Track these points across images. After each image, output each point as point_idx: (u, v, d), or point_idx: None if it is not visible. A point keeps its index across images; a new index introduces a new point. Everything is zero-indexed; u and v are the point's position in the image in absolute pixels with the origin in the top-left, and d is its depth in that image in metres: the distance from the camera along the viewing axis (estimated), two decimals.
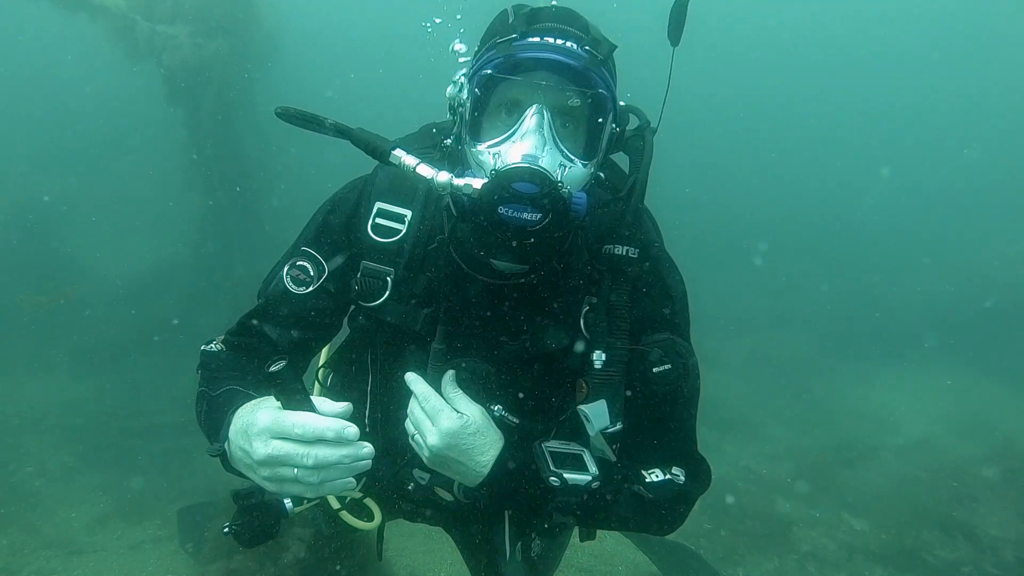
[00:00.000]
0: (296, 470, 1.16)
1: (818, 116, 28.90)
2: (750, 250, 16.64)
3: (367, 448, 1.20)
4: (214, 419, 1.39)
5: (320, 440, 1.15)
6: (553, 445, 1.55)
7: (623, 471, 1.57)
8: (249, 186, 9.41)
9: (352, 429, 1.17)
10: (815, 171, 25.31)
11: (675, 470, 1.59)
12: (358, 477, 1.89)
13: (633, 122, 1.64)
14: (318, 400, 1.21)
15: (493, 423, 1.50)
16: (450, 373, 1.52)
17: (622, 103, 1.57)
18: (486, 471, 1.44)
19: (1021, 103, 26.81)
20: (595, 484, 1.48)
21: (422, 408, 1.45)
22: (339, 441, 1.16)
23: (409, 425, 1.49)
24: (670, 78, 1.57)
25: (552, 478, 1.45)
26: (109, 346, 8.73)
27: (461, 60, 1.62)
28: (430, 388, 1.47)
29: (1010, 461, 6.72)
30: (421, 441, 1.45)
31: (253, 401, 1.33)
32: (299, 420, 1.16)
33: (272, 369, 1.16)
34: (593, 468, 1.50)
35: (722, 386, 8.90)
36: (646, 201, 1.61)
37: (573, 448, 1.55)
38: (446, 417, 1.43)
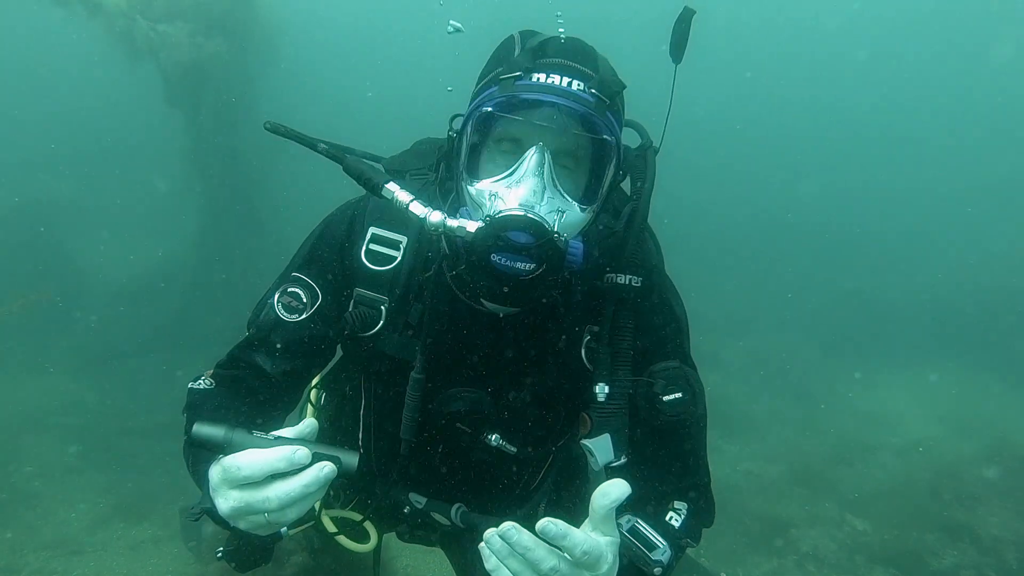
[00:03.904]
0: (266, 514, 1.09)
1: (817, 117, 28.91)
2: (751, 250, 16.66)
3: (327, 467, 1.09)
4: (199, 471, 1.29)
5: (276, 475, 1.07)
6: (624, 527, 1.39)
7: (657, 523, 1.48)
8: (249, 186, 9.41)
9: (302, 452, 1.07)
10: (815, 172, 25.32)
11: (678, 504, 1.54)
12: (351, 496, 1.89)
13: (635, 138, 1.60)
14: (283, 432, 1.14)
15: None
16: (614, 494, 1.16)
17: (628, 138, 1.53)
18: None
19: (1020, 102, 26.79)
20: (670, 556, 1.39)
21: (578, 563, 1.14)
22: (296, 468, 1.07)
23: None
24: (672, 96, 1.53)
25: (656, 569, 1.34)
26: (109, 346, 8.73)
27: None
28: (585, 537, 1.14)
29: (1010, 461, 6.71)
30: None
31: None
32: (244, 462, 1.07)
33: (192, 434, 1.10)
34: (660, 539, 1.39)
35: (722, 386, 8.89)
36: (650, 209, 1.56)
37: (629, 521, 1.42)
38: (605, 558, 1.17)
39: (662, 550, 1.37)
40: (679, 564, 1.50)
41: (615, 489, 1.14)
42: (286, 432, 1.14)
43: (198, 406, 1.49)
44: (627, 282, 1.48)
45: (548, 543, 1.11)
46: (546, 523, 1.11)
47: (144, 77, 9.35)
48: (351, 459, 1.13)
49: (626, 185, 1.58)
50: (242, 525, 1.13)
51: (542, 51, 1.39)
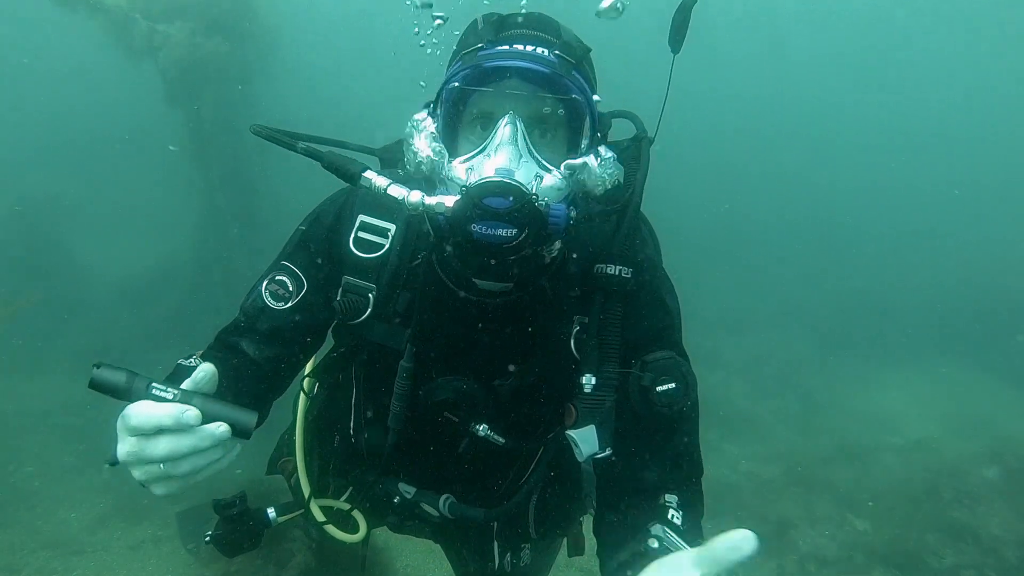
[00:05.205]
0: (161, 465, 1.09)
1: (818, 116, 28.90)
2: (750, 250, 16.66)
3: (222, 427, 1.10)
4: None
5: (164, 429, 1.07)
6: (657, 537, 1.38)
7: (658, 521, 1.45)
8: (249, 185, 9.41)
9: (192, 412, 1.08)
10: (815, 171, 25.32)
11: (668, 498, 1.52)
12: (343, 488, 1.90)
13: (630, 130, 1.59)
14: (185, 384, 1.15)
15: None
16: (745, 550, 1.00)
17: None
18: None
19: (1022, 102, 26.79)
20: None
21: None
22: (183, 427, 1.07)
23: None
24: (669, 86, 1.53)
25: None
26: (109, 346, 8.73)
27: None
28: None
29: (1010, 461, 6.70)
30: None
31: None
32: (133, 412, 1.08)
33: (93, 377, 1.10)
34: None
35: (722, 386, 8.90)
36: (646, 208, 1.55)
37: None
38: None
39: None
40: None
41: (746, 545, 0.96)
42: (185, 384, 1.15)
43: (175, 377, 1.45)
44: (617, 273, 1.47)
45: None
46: None
47: (144, 76, 9.36)
48: (248, 419, 1.14)
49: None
50: (137, 474, 1.13)
51: (504, 24, 1.41)
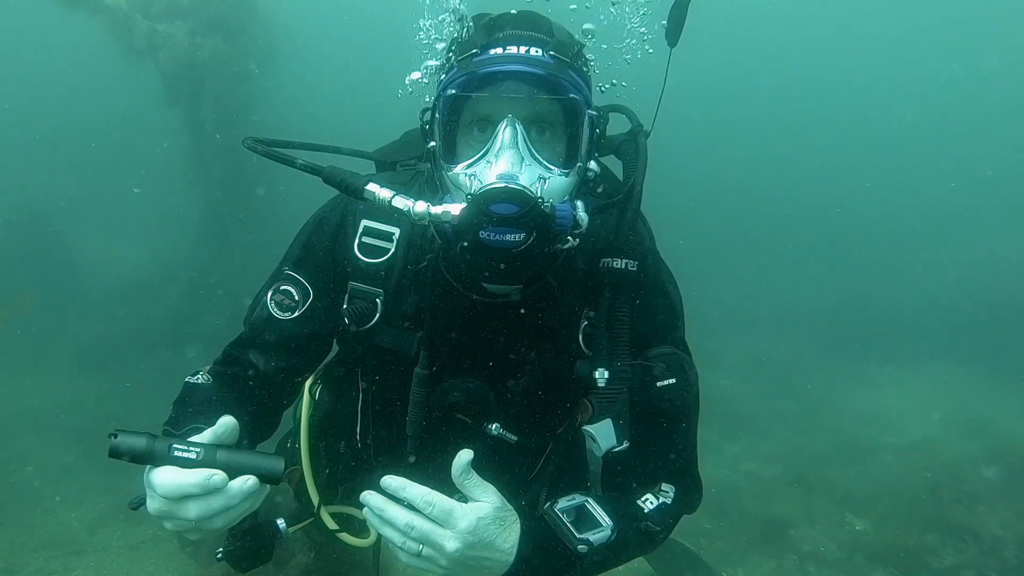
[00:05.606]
0: (193, 521, 1.10)
1: (819, 115, 28.89)
2: (750, 250, 16.66)
3: (250, 481, 1.09)
4: None
5: (192, 496, 1.08)
6: (561, 504, 1.45)
7: (619, 504, 1.52)
8: (249, 185, 9.40)
9: (218, 477, 1.07)
10: (815, 171, 25.32)
11: (665, 487, 1.55)
12: (352, 492, 1.89)
13: (624, 124, 1.60)
14: (202, 437, 1.14)
15: (506, 500, 1.34)
16: (466, 456, 1.31)
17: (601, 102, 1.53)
18: (512, 558, 1.31)
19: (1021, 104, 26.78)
20: (614, 536, 1.42)
21: (428, 516, 1.25)
22: (210, 491, 1.08)
23: (402, 541, 1.26)
24: (665, 81, 1.53)
25: (581, 546, 1.37)
26: (109, 346, 8.72)
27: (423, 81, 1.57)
28: (428, 489, 1.26)
29: (1010, 461, 6.71)
30: (433, 553, 1.25)
31: None
32: (158, 482, 1.09)
33: (112, 446, 1.09)
34: (607, 519, 1.43)
35: (722, 386, 8.89)
36: (644, 206, 1.55)
37: (577, 500, 1.47)
38: (461, 515, 1.25)
39: (602, 530, 1.40)
40: (637, 546, 1.51)
41: (458, 458, 1.29)
42: (206, 436, 1.14)
43: (187, 400, 1.47)
44: (623, 267, 1.48)
45: (394, 497, 1.26)
46: (385, 479, 1.27)
47: (144, 76, 9.35)
48: (275, 466, 1.13)
49: (617, 170, 1.57)
50: (169, 525, 1.15)
51: (495, 26, 1.40)
